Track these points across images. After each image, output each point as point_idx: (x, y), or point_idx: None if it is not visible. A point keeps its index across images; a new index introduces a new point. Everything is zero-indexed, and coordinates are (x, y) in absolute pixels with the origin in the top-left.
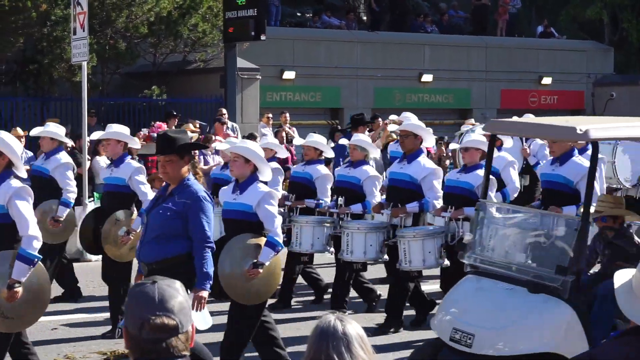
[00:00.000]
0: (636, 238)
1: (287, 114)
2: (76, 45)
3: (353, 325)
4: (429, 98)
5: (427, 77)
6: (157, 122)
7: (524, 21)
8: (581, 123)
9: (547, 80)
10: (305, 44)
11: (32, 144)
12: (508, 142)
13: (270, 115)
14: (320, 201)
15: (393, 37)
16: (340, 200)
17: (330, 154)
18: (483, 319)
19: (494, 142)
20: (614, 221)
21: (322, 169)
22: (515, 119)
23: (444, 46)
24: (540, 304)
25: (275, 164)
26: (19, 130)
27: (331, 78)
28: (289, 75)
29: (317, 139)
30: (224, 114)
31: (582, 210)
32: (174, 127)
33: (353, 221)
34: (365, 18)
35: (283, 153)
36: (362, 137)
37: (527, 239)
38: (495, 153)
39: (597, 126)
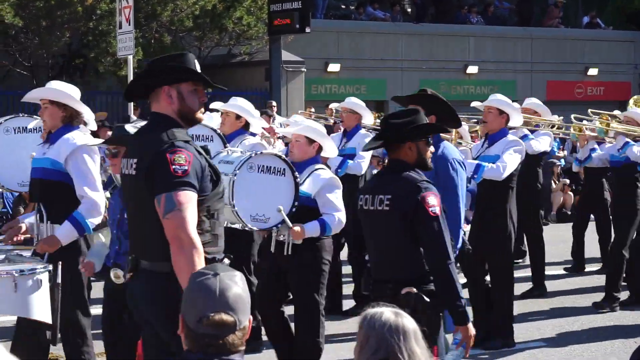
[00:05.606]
0: None
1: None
2: (122, 39)
3: (409, 320)
4: (474, 90)
5: (472, 69)
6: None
7: (569, 12)
8: None
9: (593, 72)
10: (350, 37)
11: None
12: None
13: (313, 109)
14: None
15: (438, 28)
16: None
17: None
18: None
19: None
20: None
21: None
22: None
23: (489, 37)
24: None
25: None
26: None
27: (376, 70)
28: (334, 67)
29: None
30: (273, 106)
31: None
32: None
33: None
34: (409, 10)
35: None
36: None
37: None
38: None
39: None
